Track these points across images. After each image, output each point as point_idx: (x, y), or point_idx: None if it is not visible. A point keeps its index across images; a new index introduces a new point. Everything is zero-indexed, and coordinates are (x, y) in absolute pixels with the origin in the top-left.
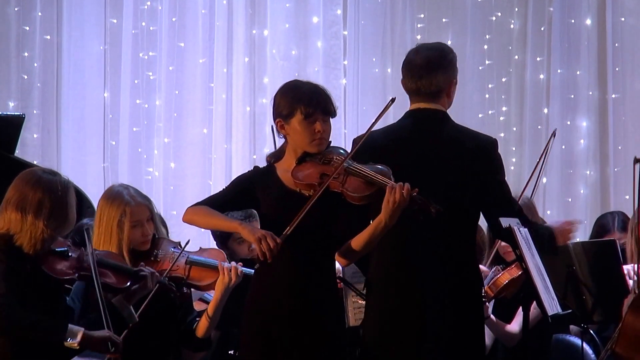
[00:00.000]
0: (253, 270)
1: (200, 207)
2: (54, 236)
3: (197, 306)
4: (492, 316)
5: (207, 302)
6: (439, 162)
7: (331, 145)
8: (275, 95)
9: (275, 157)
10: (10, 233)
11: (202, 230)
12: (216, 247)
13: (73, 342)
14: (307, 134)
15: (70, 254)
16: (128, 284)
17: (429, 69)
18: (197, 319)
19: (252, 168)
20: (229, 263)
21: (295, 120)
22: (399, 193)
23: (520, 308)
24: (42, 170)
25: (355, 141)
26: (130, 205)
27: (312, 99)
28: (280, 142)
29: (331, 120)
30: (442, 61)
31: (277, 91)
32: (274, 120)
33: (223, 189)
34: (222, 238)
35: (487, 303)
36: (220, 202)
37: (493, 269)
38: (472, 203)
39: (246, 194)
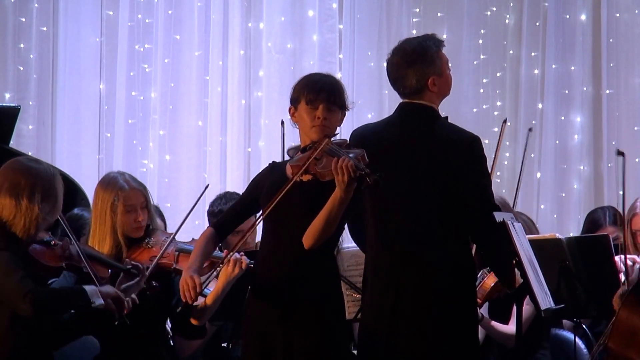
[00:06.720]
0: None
1: (200, 238)
2: (46, 221)
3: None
4: (486, 317)
5: (204, 297)
6: (426, 160)
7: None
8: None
9: (296, 150)
10: (2, 220)
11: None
12: None
13: (100, 302)
14: (309, 120)
15: (54, 243)
16: (109, 272)
17: (400, 71)
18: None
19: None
20: (238, 254)
21: (301, 106)
22: (338, 165)
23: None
24: (27, 159)
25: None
26: (124, 189)
27: (316, 86)
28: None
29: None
30: (415, 60)
31: None
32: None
33: (238, 199)
34: None
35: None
36: (231, 217)
37: (479, 273)
38: (457, 200)
39: (254, 200)
